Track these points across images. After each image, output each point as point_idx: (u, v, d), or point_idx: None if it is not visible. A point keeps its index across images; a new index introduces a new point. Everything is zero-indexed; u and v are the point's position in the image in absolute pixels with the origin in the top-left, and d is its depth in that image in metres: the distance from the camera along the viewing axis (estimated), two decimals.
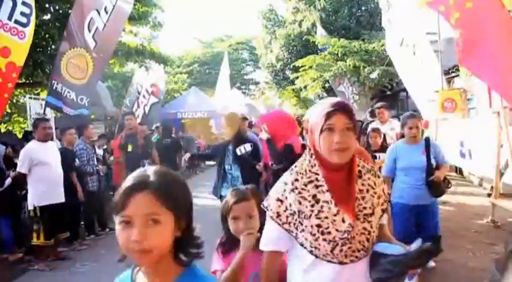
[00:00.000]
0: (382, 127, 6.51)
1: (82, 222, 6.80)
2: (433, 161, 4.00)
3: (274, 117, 4.62)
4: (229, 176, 4.73)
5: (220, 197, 4.62)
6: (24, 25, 5.26)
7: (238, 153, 4.60)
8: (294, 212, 1.54)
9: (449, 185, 4.26)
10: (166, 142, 8.59)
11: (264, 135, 4.54)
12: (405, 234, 3.70)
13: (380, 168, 4.50)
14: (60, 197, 5.42)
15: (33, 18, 5.40)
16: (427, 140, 4.10)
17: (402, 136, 4.25)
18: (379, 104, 7.19)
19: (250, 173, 4.67)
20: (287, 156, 4.12)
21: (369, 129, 6.35)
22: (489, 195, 6.34)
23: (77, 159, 6.36)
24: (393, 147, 4.23)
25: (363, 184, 1.57)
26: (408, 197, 3.99)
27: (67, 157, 5.93)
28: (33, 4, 5.40)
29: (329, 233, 1.49)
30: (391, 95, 14.39)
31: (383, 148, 5.37)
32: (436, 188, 3.95)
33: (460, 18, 4.38)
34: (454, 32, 4.72)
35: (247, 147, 4.60)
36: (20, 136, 10.00)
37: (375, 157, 5.38)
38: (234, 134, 4.65)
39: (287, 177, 1.62)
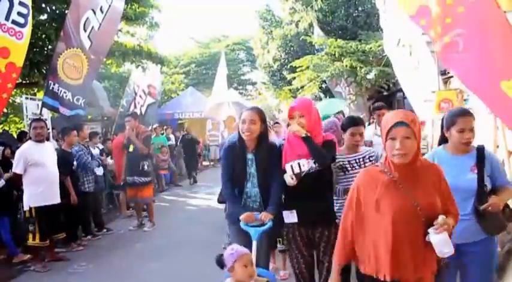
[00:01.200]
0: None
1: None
2: (487, 182, 2.71)
3: (312, 107, 3.28)
4: (244, 195, 3.36)
5: (238, 220, 3.17)
6: (22, 25, 5.24)
7: (289, 172, 3.07)
8: None
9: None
10: (189, 137, 13.34)
11: (295, 128, 3.09)
12: None
13: None
14: (55, 198, 5.40)
15: (30, 18, 5.37)
16: (481, 150, 2.77)
17: (445, 140, 2.92)
18: (378, 104, 5.91)
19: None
20: (330, 156, 3.14)
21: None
22: None
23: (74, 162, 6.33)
24: (430, 157, 2.84)
25: None
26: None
27: (64, 159, 5.90)
28: (30, 4, 5.38)
29: None
30: (387, 95, 14.42)
31: None
32: (491, 220, 2.66)
33: (451, 23, 4.37)
34: (433, 46, 4.67)
35: (304, 163, 3.04)
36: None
37: None
38: (256, 137, 3.28)
39: None
